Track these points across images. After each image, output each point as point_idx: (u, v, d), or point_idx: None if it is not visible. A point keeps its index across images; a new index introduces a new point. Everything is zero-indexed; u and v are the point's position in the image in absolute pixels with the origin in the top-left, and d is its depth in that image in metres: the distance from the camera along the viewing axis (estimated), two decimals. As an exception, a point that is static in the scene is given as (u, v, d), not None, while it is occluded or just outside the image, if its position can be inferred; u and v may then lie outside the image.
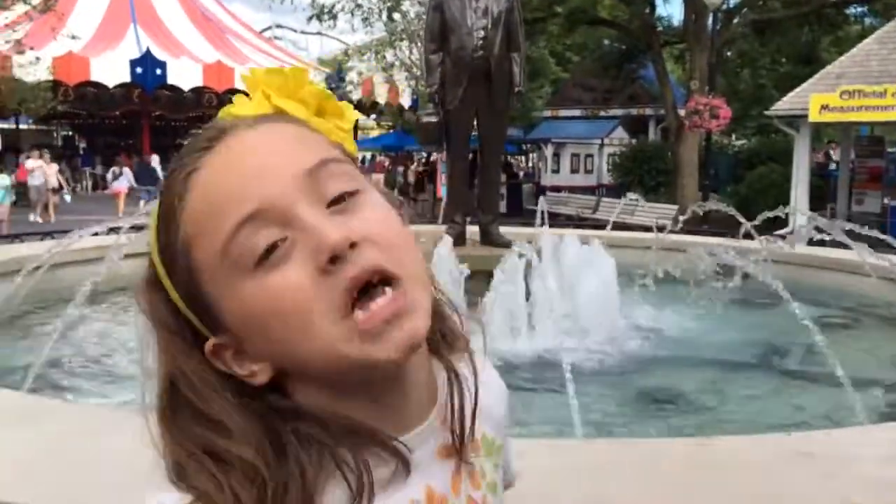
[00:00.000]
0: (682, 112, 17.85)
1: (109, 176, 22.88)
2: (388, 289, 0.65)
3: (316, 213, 0.65)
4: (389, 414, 0.71)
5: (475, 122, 5.52)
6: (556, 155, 25.98)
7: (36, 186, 19.05)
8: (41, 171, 19.06)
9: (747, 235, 6.26)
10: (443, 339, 0.78)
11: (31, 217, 18.03)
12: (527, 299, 4.54)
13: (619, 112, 28.43)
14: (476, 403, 0.76)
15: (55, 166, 20.29)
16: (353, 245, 0.64)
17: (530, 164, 33.77)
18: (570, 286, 4.81)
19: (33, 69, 20.94)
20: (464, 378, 0.76)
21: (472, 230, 5.73)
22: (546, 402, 3.46)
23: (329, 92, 0.78)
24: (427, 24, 5.66)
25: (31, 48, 20.08)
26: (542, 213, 6.80)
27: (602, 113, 28.37)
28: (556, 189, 23.67)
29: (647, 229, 8.13)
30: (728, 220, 6.31)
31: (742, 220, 6.20)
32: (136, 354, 4.22)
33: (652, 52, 19.98)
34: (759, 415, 3.63)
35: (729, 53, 23.77)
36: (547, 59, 28.37)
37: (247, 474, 0.64)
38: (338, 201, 0.66)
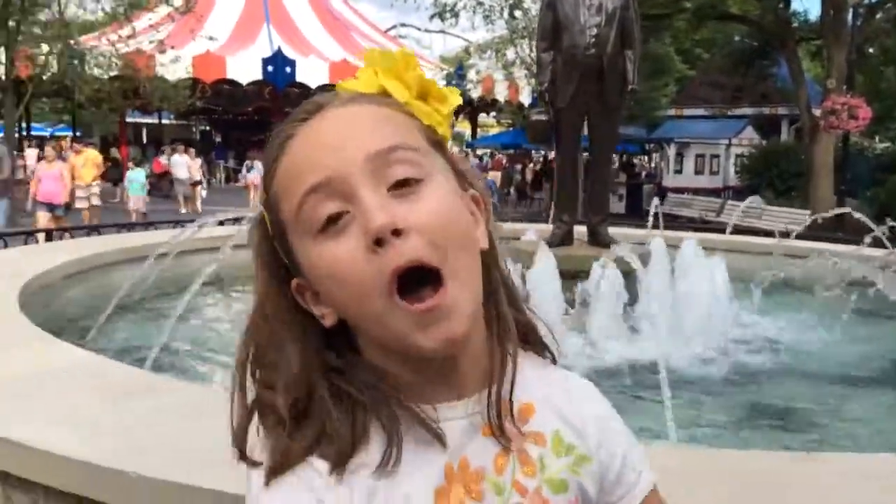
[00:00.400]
0: (817, 112, 16.95)
1: (244, 169, 24.02)
2: (428, 289, 0.70)
3: (375, 194, 0.70)
4: (436, 381, 0.76)
5: (586, 121, 5.46)
6: (680, 155, 25.26)
7: (180, 180, 20.19)
8: (185, 165, 20.12)
9: (878, 243, 5.90)
10: (516, 330, 0.81)
11: (182, 210, 19.11)
12: (632, 303, 4.44)
13: (748, 111, 27.26)
14: (508, 394, 0.78)
15: (199, 161, 21.34)
16: (397, 232, 0.68)
17: (653, 165, 32.93)
18: (678, 290, 4.68)
19: (174, 68, 22.16)
20: (520, 371, 0.79)
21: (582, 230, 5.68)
22: (640, 409, 3.39)
23: (434, 80, 0.81)
24: (539, 22, 5.64)
25: (172, 48, 21.27)
26: (657, 214, 6.61)
27: (730, 112, 27.26)
28: (679, 190, 23.01)
29: (773, 235, 7.77)
30: (865, 228, 5.96)
31: (873, 226, 5.86)
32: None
33: (786, 48, 19.01)
34: (877, 435, 3.42)
35: (871, 50, 22.29)
36: (672, 56, 27.52)
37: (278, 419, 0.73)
38: (400, 185, 0.71)
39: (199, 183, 20.86)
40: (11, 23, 17.66)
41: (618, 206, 22.45)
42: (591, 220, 5.57)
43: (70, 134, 32.39)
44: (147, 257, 4.49)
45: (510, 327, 0.79)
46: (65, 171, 12.16)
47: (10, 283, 3.82)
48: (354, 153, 0.71)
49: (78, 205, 13.72)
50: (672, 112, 28.36)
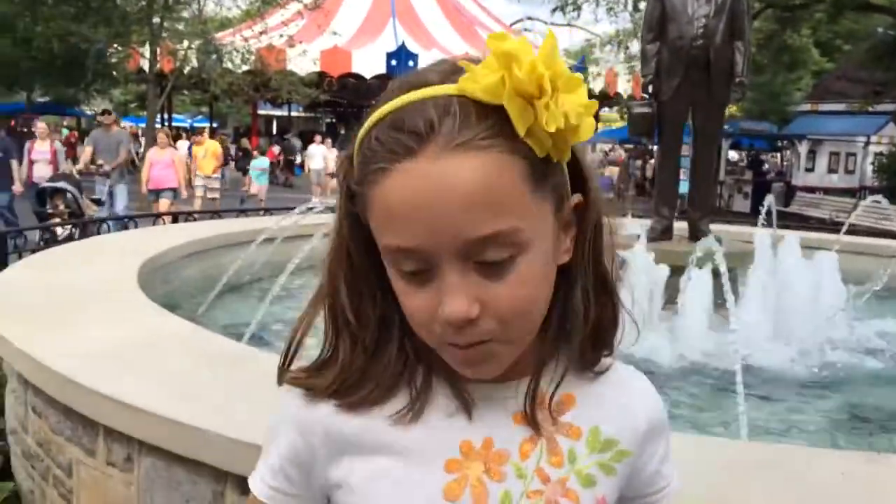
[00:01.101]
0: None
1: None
2: (475, 350, 0.72)
3: (459, 272, 0.69)
4: None
5: (690, 115, 5.34)
6: (812, 153, 23.98)
7: (316, 170, 20.54)
8: (322, 155, 20.45)
9: None
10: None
11: (314, 198, 19.75)
12: (726, 301, 4.33)
13: (890, 108, 25.53)
14: (547, 387, 0.80)
15: (335, 151, 20.80)
16: (471, 320, 0.70)
17: (784, 162, 31.42)
18: (778, 289, 4.53)
19: (302, 62, 23.00)
20: (575, 366, 0.81)
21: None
22: (718, 406, 3.32)
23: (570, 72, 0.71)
24: (646, 13, 5.55)
25: (301, 42, 22.08)
26: (770, 211, 6.37)
27: (870, 108, 25.63)
28: (810, 190, 21.87)
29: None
30: None
31: None
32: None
33: (934, 40, 17.70)
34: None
35: None
36: (809, 48, 26.14)
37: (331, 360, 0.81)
38: (490, 265, 0.69)
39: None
40: (156, 20, 18.87)
41: (742, 204, 21.60)
42: (693, 215, 5.45)
43: (207, 125, 34.25)
44: (258, 241, 4.76)
45: (576, 333, 0.79)
46: (176, 158, 12.11)
47: (131, 260, 4.16)
48: (447, 235, 0.68)
49: (197, 193, 13.90)
50: (806, 107, 26.94)
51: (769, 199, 6.59)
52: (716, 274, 4.25)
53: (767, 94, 26.28)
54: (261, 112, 34.82)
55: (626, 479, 0.84)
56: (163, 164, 11.76)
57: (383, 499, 0.78)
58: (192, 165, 14.05)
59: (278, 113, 39.79)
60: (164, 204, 11.46)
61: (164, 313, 3.23)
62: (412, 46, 28.09)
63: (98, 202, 10.81)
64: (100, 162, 11.16)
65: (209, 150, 14.29)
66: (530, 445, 0.79)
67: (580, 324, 0.79)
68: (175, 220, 7.31)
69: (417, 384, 0.79)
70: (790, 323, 4.41)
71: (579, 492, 0.79)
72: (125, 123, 37.22)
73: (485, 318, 0.70)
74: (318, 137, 21.81)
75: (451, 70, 0.73)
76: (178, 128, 33.88)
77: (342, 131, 34.61)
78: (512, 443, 0.79)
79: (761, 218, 6.26)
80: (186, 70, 20.44)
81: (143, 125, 18.05)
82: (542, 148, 0.70)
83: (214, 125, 34.67)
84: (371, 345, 0.79)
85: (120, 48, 19.64)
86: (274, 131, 38.68)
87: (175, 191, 11.88)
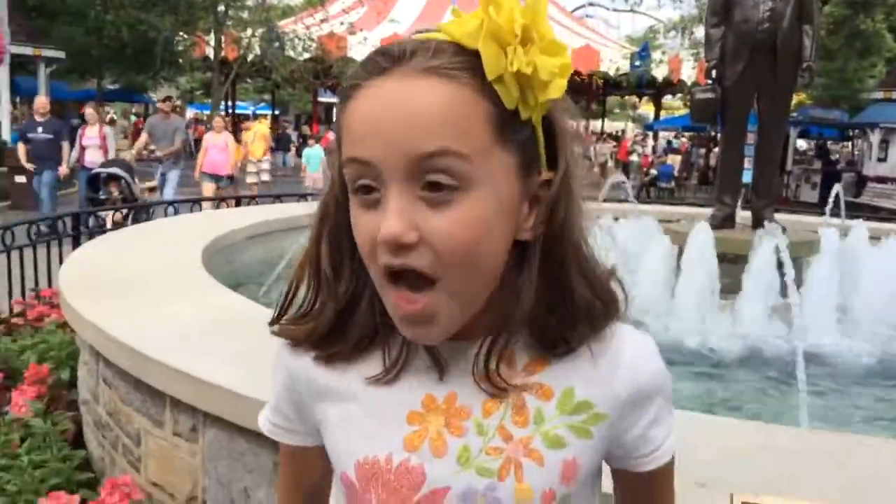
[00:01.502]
0: None
1: None
2: (416, 295, 0.72)
3: (402, 195, 0.70)
4: None
5: (755, 101, 5.22)
6: (885, 142, 23.10)
7: None
8: None
9: None
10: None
11: None
12: (792, 289, 4.25)
13: (970, 94, 24.46)
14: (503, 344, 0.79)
15: None
16: (404, 245, 0.70)
17: (856, 151, 30.40)
18: (846, 278, 4.41)
19: (362, 49, 23.16)
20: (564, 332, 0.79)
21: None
22: (779, 394, 3.27)
23: (548, 31, 0.73)
24: (711, -3, 5.43)
25: (361, 30, 22.25)
26: (838, 200, 6.20)
27: (947, 95, 24.57)
28: (882, 180, 21.11)
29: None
30: None
31: None
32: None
33: None
34: None
35: None
36: (883, 33, 25.19)
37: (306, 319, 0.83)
38: (434, 188, 0.70)
39: None
40: (220, 8, 19.26)
41: (811, 194, 20.99)
42: (757, 203, 5.33)
43: (269, 112, 34.79)
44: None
45: (521, 307, 0.77)
46: (230, 142, 12.03)
47: (196, 242, 4.28)
48: (397, 149, 0.69)
49: (249, 179, 13.75)
50: (879, 95, 25.97)
51: (837, 188, 6.42)
52: (779, 263, 4.17)
53: (838, 81, 25.44)
54: (321, 99, 35.13)
55: (609, 441, 0.82)
56: (218, 148, 11.75)
57: (351, 444, 0.83)
58: (244, 150, 13.97)
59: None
60: (208, 188, 11.42)
61: (227, 292, 3.32)
62: (472, 34, 28.06)
63: (154, 189, 10.83)
64: (151, 147, 11.19)
65: (258, 134, 14.12)
66: (494, 403, 0.79)
67: (527, 300, 0.77)
68: (238, 204, 7.46)
69: (391, 347, 0.82)
70: (855, 312, 4.30)
71: (544, 452, 0.79)
72: (191, 112, 38.14)
73: (421, 249, 0.70)
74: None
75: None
76: (240, 115, 34.52)
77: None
78: (475, 399, 0.80)
79: (829, 207, 6.10)
80: (249, 58, 20.81)
81: (207, 112, 18.39)
82: (510, 97, 0.71)
83: (276, 112, 35.18)
84: (343, 298, 0.81)
85: (186, 36, 20.08)
86: (334, 118, 39.05)
87: (231, 178, 11.89)
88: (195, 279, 3.53)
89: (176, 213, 6.47)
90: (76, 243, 5.74)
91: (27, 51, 17.65)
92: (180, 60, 22.06)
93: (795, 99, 7.12)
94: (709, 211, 5.59)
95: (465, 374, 0.80)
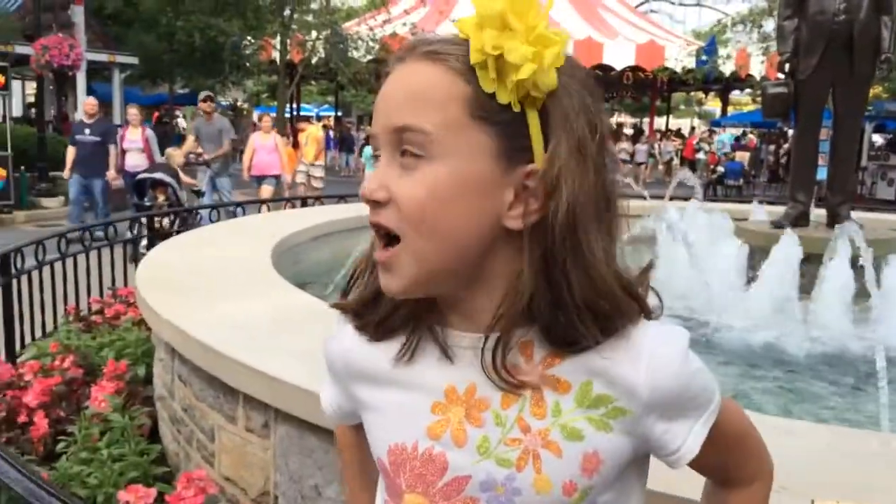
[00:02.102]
0: None
1: None
2: (386, 248, 0.80)
3: (386, 161, 0.80)
4: (451, 310, 0.85)
5: (831, 94, 5.05)
6: (967, 135, 22.14)
7: None
8: None
9: None
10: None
11: None
12: (878, 289, 4.10)
13: None
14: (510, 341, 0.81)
15: None
16: (375, 201, 0.79)
17: (934, 146, 29.14)
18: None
19: (425, 49, 23.31)
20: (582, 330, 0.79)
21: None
22: (857, 397, 3.15)
23: (542, 24, 0.77)
24: (783, -13, 5.27)
25: (423, 30, 22.35)
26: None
27: None
28: (962, 175, 20.21)
29: None
30: None
31: None
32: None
33: None
34: None
35: None
36: (966, 22, 24.07)
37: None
38: (405, 155, 0.78)
39: None
40: (286, 12, 19.59)
41: (887, 191, 20.25)
42: (832, 200, 5.16)
43: (333, 114, 35.26)
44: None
45: (512, 301, 0.79)
46: (279, 143, 11.53)
47: (265, 242, 4.37)
48: (385, 122, 0.80)
49: (298, 179, 13.11)
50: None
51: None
52: (856, 261, 4.03)
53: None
54: (384, 100, 35.49)
55: (637, 438, 0.82)
56: (267, 149, 11.32)
57: (380, 430, 0.89)
58: (298, 153, 13.52)
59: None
60: (266, 191, 11.10)
61: (296, 291, 3.37)
62: (533, 31, 27.90)
63: (199, 193, 10.47)
64: (199, 150, 10.73)
65: (311, 136, 13.51)
66: (513, 395, 0.82)
67: (521, 293, 0.78)
68: (304, 204, 7.57)
69: (410, 329, 0.87)
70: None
71: (562, 444, 0.80)
72: (257, 114, 38.86)
73: (389, 208, 0.78)
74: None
75: None
76: (305, 116, 35.05)
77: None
78: (494, 391, 0.82)
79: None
80: (314, 60, 21.11)
81: (273, 114, 18.77)
82: (486, 80, 0.76)
83: (339, 114, 35.64)
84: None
85: (253, 40, 20.50)
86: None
87: (278, 178, 11.46)
88: (264, 278, 3.60)
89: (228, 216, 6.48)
90: (151, 243, 5.92)
91: (102, 57, 18.29)
92: (248, 64, 22.53)
93: (871, 93, 6.86)
94: (780, 209, 5.44)
95: (477, 363, 0.83)
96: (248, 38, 20.46)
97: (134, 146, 10.79)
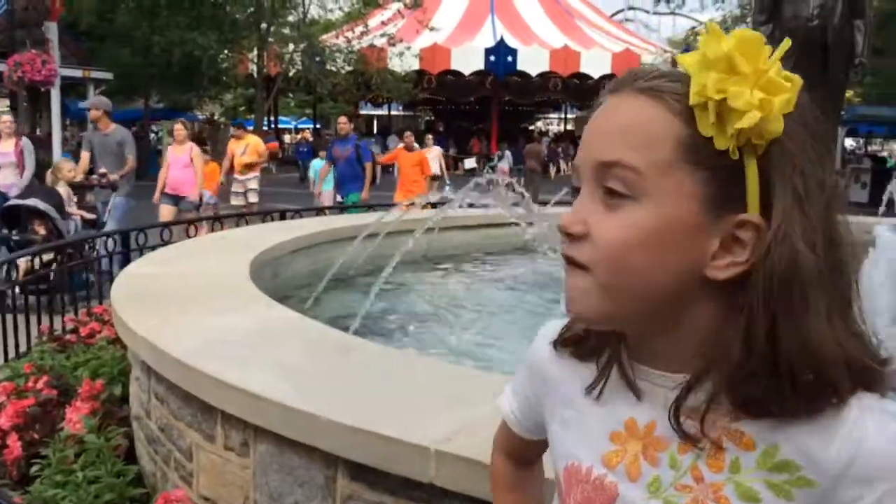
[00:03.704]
0: None
1: (496, 158, 24.33)
2: (572, 269, 0.79)
3: (585, 194, 0.79)
4: (638, 348, 0.84)
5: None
6: (939, 138, 22.47)
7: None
8: (436, 159, 16.75)
9: None
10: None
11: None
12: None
13: None
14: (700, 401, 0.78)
15: (437, 150, 17.15)
16: (570, 235, 0.78)
17: (907, 149, 29.59)
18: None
19: (402, 60, 23.36)
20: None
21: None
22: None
23: (775, 73, 0.73)
24: (757, -6, 5.34)
25: (402, 41, 22.40)
26: (891, 201, 6.02)
27: None
28: (936, 177, 20.52)
29: None
30: None
31: None
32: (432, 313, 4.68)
33: None
34: None
35: None
36: (935, 26, 24.51)
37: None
38: (611, 193, 0.76)
39: (438, 178, 16.29)
40: (263, 25, 19.55)
41: (860, 194, 20.51)
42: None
43: (311, 126, 35.21)
44: (361, 237, 4.86)
45: (717, 360, 0.75)
46: (196, 156, 9.63)
47: (243, 255, 4.31)
48: (590, 154, 0.78)
49: (233, 201, 11.15)
50: (932, 90, 25.28)
51: (891, 187, 6.24)
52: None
53: (886, 79, 24.85)
54: (362, 112, 35.51)
55: None
56: (180, 163, 9.55)
57: (564, 446, 0.91)
58: (226, 166, 11.50)
59: (379, 112, 40.49)
60: (168, 212, 9.36)
61: (275, 305, 3.32)
62: (511, 42, 28.04)
63: (94, 223, 8.37)
64: (102, 171, 8.69)
65: (250, 146, 11.32)
66: (688, 444, 0.79)
67: (727, 351, 0.74)
68: (283, 217, 7.50)
69: (604, 356, 0.87)
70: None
71: (733, 502, 0.75)
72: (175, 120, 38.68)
73: (584, 244, 0.77)
74: (429, 139, 18.10)
75: None
76: (283, 129, 34.93)
77: (440, 128, 34.96)
78: (674, 432, 0.79)
79: (883, 207, 5.92)
80: (292, 73, 21.08)
81: (251, 128, 18.67)
82: (703, 122, 0.73)
83: (317, 126, 35.59)
84: None
85: (230, 54, 20.43)
86: (375, 130, 39.35)
87: (199, 203, 9.72)
88: (243, 292, 3.55)
89: (121, 246, 5.83)
90: (126, 260, 5.83)
91: (77, 73, 18.14)
92: (225, 78, 22.45)
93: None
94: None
95: (665, 405, 0.80)
96: (225, 51, 20.39)
97: (6, 161, 8.92)
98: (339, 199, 10.74)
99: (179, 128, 10.03)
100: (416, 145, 13.16)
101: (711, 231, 0.74)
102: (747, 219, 0.73)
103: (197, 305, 3.29)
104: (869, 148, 31.66)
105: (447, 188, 15.89)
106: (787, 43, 0.75)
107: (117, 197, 8.68)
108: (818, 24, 4.89)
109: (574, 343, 0.90)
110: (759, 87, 0.72)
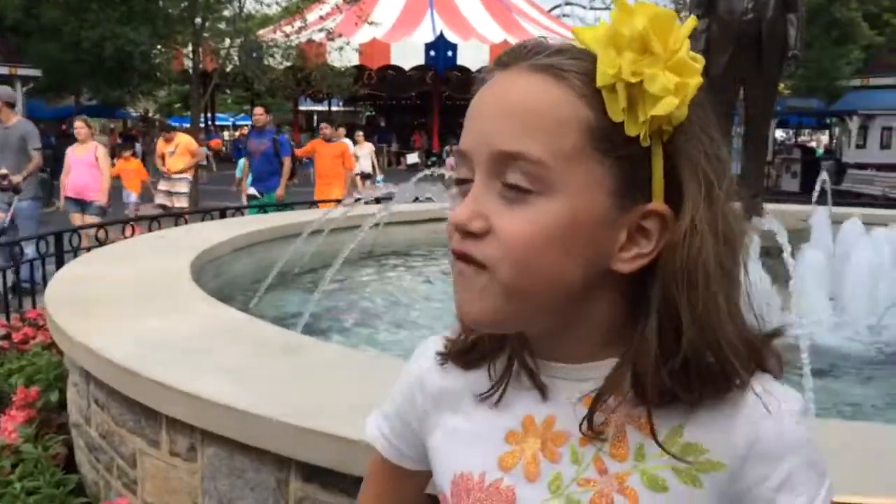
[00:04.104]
0: None
1: (444, 154, 24.31)
2: (468, 268, 0.71)
3: (484, 186, 0.70)
4: (538, 341, 0.78)
5: (740, 92, 5.22)
6: (864, 128, 23.32)
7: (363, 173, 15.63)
8: (368, 156, 16.02)
9: None
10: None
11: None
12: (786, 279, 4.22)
13: (945, 79, 24.70)
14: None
15: (368, 147, 16.47)
16: (466, 233, 0.70)
17: (834, 140, 30.68)
18: (838, 266, 4.40)
19: (341, 56, 23.10)
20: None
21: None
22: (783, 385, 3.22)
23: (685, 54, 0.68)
24: (693, -12, 5.43)
25: (341, 35, 22.16)
26: (825, 189, 6.21)
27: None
28: (862, 166, 21.30)
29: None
30: None
31: None
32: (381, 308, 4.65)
33: None
34: None
35: None
36: (858, 22, 25.42)
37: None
38: (513, 188, 0.69)
39: (370, 177, 15.69)
40: (198, 20, 19.11)
41: (791, 183, 21.15)
42: (745, 195, 5.31)
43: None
44: (307, 233, 4.79)
45: (625, 360, 0.73)
46: (101, 156, 8.83)
47: (184, 254, 4.21)
48: (487, 142, 0.70)
49: (158, 200, 10.46)
50: (857, 82, 26.22)
51: (823, 176, 6.44)
52: (768, 252, 4.14)
53: (815, 71, 25.68)
54: (301, 108, 35.10)
55: (730, 501, 0.73)
56: (84, 164, 8.74)
57: (446, 458, 0.84)
58: (160, 163, 10.71)
59: (319, 108, 40.10)
60: (77, 219, 8.51)
61: (218, 305, 3.25)
62: (450, 37, 28.05)
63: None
64: (2, 171, 7.54)
65: (180, 145, 10.58)
66: (593, 432, 0.75)
67: (636, 342, 0.72)
68: (223, 216, 7.34)
69: (497, 364, 0.82)
70: (850, 301, 4.28)
71: (640, 493, 0.73)
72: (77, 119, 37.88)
73: (487, 242, 0.69)
74: (359, 134, 17.43)
75: None
76: (221, 126, 34.29)
77: (381, 123, 34.82)
78: (573, 425, 0.75)
79: (815, 195, 6.10)
80: (228, 68, 20.67)
81: (187, 125, 18.23)
82: (615, 108, 0.67)
83: (257, 122, 35.05)
84: None
85: (164, 49, 19.94)
86: (315, 126, 39.00)
87: (104, 209, 8.86)
88: (185, 293, 3.46)
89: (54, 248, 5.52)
90: (60, 262, 5.64)
91: (3, 70, 17.49)
92: (158, 74, 21.89)
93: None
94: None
95: (566, 398, 0.77)
96: (159, 46, 19.88)
97: None
98: (252, 192, 9.75)
99: (80, 125, 9.11)
100: (345, 139, 12.20)
101: (619, 222, 0.70)
102: (654, 209, 0.70)
103: (137, 307, 3.19)
104: (799, 139, 32.73)
105: (379, 184, 15.14)
106: (693, 20, 0.72)
107: (21, 201, 7.63)
108: (753, 18, 5.00)
109: (463, 354, 0.84)
110: (669, 69, 0.67)
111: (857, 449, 1.89)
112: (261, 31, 22.69)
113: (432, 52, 27.56)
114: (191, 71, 20.12)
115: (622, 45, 0.67)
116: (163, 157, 10.53)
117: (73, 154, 8.97)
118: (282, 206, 8.79)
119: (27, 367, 3.60)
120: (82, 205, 8.80)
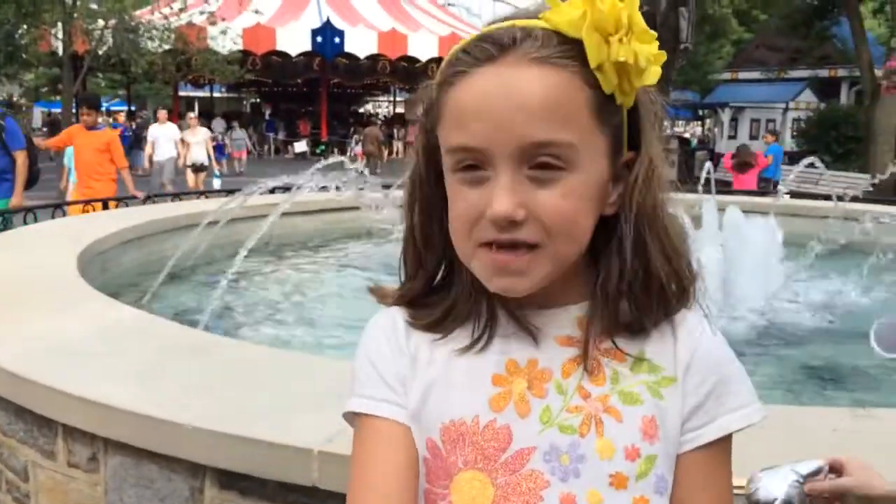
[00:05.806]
0: (879, 73, 16.32)
1: (353, 141, 23.59)
2: (521, 250, 0.77)
3: (512, 175, 0.76)
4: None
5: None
6: (734, 120, 24.67)
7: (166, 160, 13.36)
8: (203, 143, 13.88)
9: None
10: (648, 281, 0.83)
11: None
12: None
13: (805, 74, 26.40)
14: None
15: (205, 133, 14.41)
16: (514, 222, 0.76)
17: (706, 131, 32.26)
18: (726, 255, 4.59)
19: (224, 40, 22.39)
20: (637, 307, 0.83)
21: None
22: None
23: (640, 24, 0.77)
24: (587, -19, 5.53)
25: (223, 20, 21.45)
26: (710, 179, 6.48)
27: (787, 75, 26.45)
28: (734, 156, 22.51)
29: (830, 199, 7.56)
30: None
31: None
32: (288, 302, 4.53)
33: (847, 5, 18.32)
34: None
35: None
36: (729, 18, 26.81)
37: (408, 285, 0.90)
38: (541, 167, 0.76)
39: (204, 169, 13.69)
40: (67, -1, 18.03)
41: (669, 172, 22.13)
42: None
43: (125, 108, 33.04)
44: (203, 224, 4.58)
45: (608, 283, 0.83)
46: None
47: (70, 248, 3.94)
48: (509, 135, 0.75)
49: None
50: (727, 76, 27.66)
51: (708, 166, 6.71)
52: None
53: (690, 65, 26.94)
54: (182, 93, 33.77)
55: (679, 411, 0.84)
56: None
57: (436, 410, 0.85)
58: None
59: (200, 94, 38.70)
60: None
61: (112, 302, 3.07)
62: (337, 23, 27.60)
63: None
64: None
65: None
66: (572, 365, 0.84)
67: (613, 275, 0.82)
68: (105, 207, 6.90)
69: (479, 319, 0.86)
70: (735, 285, 4.48)
71: (621, 409, 0.83)
72: (38, 110, 35.64)
73: (529, 225, 0.76)
74: (192, 118, 14.69)
75: (538, 10, 0.80)
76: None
77: (267, 111, 33.95)
78: (554, 362, 0.84)
79: (702, 184, 6.36)
80: (102, 51, 19.62)
81: (57, 110, 17.14)
82: (609, 84, 0.77)
83: (132, 108, 33.46)
84: (432, 268, 0.88)
85: (30, 29, 18.69)
86: (196, 112, 37.61)
87: None
88: (73, 290, 3.23)
89: None
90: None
91: None
92: (24, 55, 20.51)
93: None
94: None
95: (546, 337, 0.85)
96: (24, 26, 18.62)
97: None
98: None
99: None
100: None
101: (610, 175, 0.82)
102: (630, 157, 0.82)
103: (22, 306, 2.96)
104: (674, 129, 34.20)
105: (215, 181, 13.52)
106: None
107: None
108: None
109: (438, 323, 0.88)
110: (637, 39, 0.76)
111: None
112: (137, 12, 21.65)
113: (319, 39, 27.02)
114: (61, 52, 18.99)
115: (607, 29, 0.75)
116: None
117: None
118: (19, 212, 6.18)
119: None
120: None
